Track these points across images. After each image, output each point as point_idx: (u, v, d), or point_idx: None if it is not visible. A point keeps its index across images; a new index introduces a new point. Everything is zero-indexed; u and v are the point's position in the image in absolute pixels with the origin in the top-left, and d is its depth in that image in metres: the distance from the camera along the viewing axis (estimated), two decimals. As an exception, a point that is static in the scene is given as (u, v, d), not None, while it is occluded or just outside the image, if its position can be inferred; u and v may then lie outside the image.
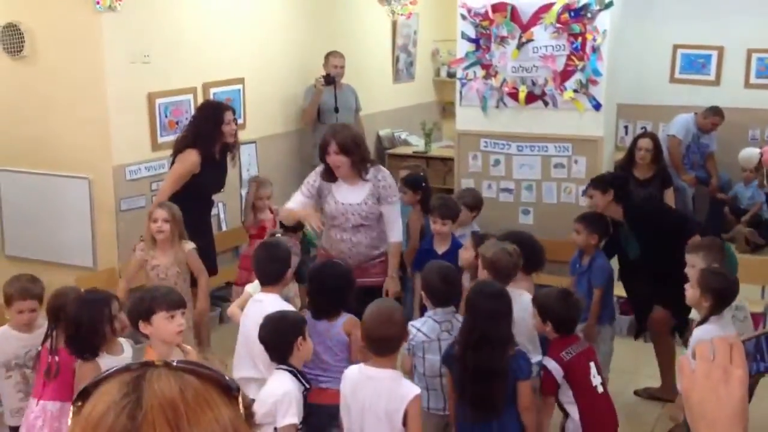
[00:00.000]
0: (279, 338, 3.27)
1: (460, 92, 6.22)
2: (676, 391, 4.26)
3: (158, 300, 3.28)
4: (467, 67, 6.14)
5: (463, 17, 6.09)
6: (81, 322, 3.41)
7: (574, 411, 3.62)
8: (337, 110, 7.12)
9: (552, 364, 3.59)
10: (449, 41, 8.04)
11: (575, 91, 5.85)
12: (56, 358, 3.57)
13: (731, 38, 8.09)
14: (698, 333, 3.66)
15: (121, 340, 3.61)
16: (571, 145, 5.97)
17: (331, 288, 3.81)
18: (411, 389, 3.19)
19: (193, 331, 4.49)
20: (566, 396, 3.63)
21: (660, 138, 6.90)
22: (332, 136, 4.51)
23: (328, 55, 7.14)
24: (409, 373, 3.71)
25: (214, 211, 5.67)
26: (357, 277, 4.17)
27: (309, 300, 3.92)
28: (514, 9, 5.90)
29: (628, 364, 5.12)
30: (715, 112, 7.51)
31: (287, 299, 4.21)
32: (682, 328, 4.72)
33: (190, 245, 4.57)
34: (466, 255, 4.42)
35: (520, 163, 6.12)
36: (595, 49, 5.77)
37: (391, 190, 4.62)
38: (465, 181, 6.27)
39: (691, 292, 3.80)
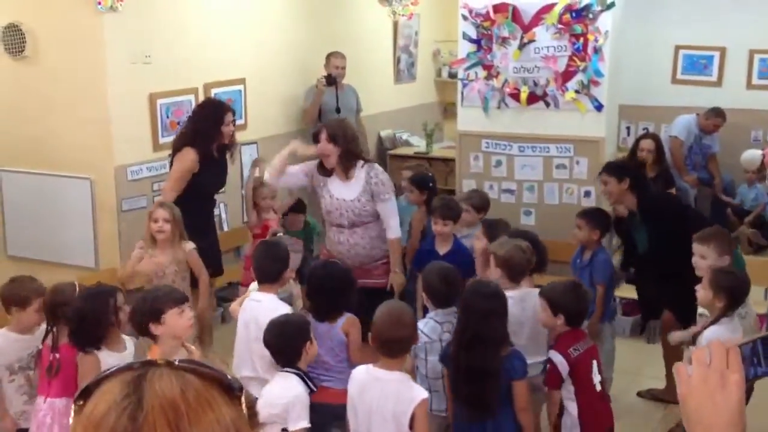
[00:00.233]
0: (285, 343, 3.25)
1: (462, 93, 6.21)
2: None
3: (164, 298, 3.30)
4: (469, 68, 6.13)
5: (465, 18, 6.08)
6: (85, 314, 3.42)
7: (573, 407, 3.61)
8: (338, 111, 7.11)
9: (558, 358, 3.58)
10: (450, 42, 8.04)
11: (577, 91, 5.84)
12: (57, 355, 3.57)
13: (733, 39, 8.07)
14: (708, 334, 3.63)
15: (124, 336, 3.61)
16: (573, 145, 5.97)
17: (330, 289, 3.81)
18: (419, 392, 3.18)
19: (196, 330, 4.49)
20: (567, 392, 3.62)
21: (662, 139, 6.90)
22: (324, 125, 4.64)
23: (329, 56, 7.13)
24: (411, 374, 3.70)
25: (216, 211, 5.65)
26: (359, 278, 4.18)
27: (309, 302, 3.91)
28: (515, 9, 5.90)
29: (630, 365, 5.11)
30: (717, 113, 7.50)
31: (290, 299, 4.21)
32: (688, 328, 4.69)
33: (190, 245, 4.58)
34: (478, 244, 4.42)
35: (522, 164, 6.12)
36: (597, 50, 5.76)
37: (384, 187, 4.62)
38: (466, 181, 6.27)
39: (703, 293, 3.74)
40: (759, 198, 7.61)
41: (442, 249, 4.78)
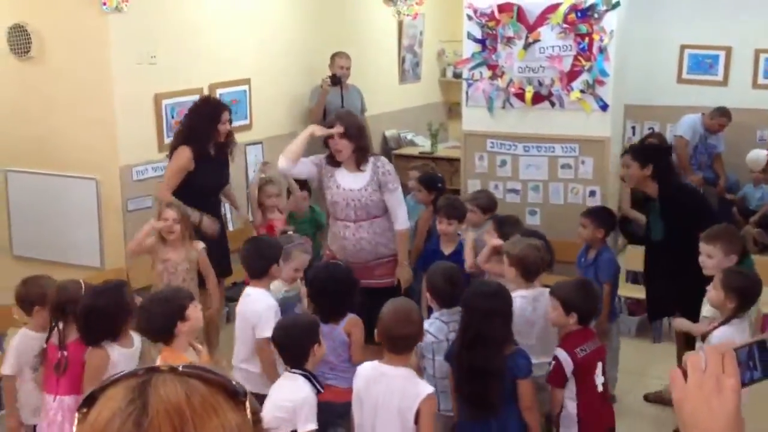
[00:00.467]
0: (294, 344, 3.24)
1: (467, 93, 6.21)
2: None
3: (183, 295, 3.41)
4: (473, 68, 6.13)
5: (469, 18, 6.08)
6: (101, 309, 3.44)
7: (572, 406, 3.61)
8: (343, 111, 7.13)
9: (564, 356, 3.58)
10: (455, 42, 8.03)
11: (582, 91, 5.83)
12: (65, 353, 3.59)
13: (739, 38, 8.06)
14: (718, 334, 3.61)
15: (132, 333, 3.63)
16: (578, 145, 5.96)
17: (333, 291, 3.81)
18: (424, 388, 3.19)
19: (204, 330, 4.51)
20: (568, 390, 3.62)
21: (667, 139, 6.89)
22: (338, 120, 4.59)
23: (334, 56, 7.14)
24: (416, 372, 3.71)
25: (221, 211, 5.66)
26: (362, 278, 4.19)
27: (311, 303, 3.92)
28: (520, 9, 5.89)
29: (635, 365, 5.11)
30: (722, 113, 7.49)
31: (297, 298, 4.22)
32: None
33: (201, 244, 4.64)
34: (488, 239, 4.44)
35: (527, 164, 6.11)
36: (602, 50, 5.75)
37: (390, 177, 4.66)
38: (471, 181, 6.26)
39: (714, 293, 3.70)
40: (765, 197, 7.60)
41: (447, 249, 4.78)
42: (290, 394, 3.14)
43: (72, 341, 3.62)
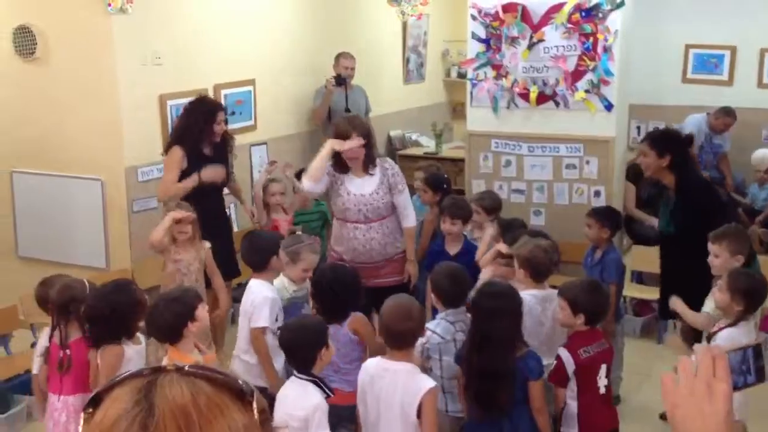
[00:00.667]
0: (300, 348, 3.23)
1: (471, 93, 6.21)
2: None
3: (193, 294, 3.43)
4: (478, 68, 6.13)
5: (474, 18, 6.08)
6: (117, 306, 3.45)
7: (573, 405, 3.61)
8: (347, 111, 7.12)
9: (566, 355, 3.57)
10: (459, 42, 8.03)
11: (587, 91, 5.82)
12: (68, 352, 3.60)
13: (744, 38, 8.04)
14: (725, 336, 3.58)
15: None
16: (583, 145, 5.95)
17: (338, 292, 3.81)
18: (426, 382, 3.20)
19: (211, 331, 4.52)
20: (570, 390, 3.61)
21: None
22: (354, 130, 4.57)
23: (338, 56, 7.14)
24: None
25: (226, 212, 5.66)
26: (369, 278, 4.20)
27: (315, 304, 3.92)
28: (524, 9, 5.88)
29: (640, 365, 5.10)
30: (727, 112, 7.47)
31: (306, 299, 4.22)
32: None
33: (207, 244, 4.65)
34: (490, 230, 4.45)
35: (532, 164, 6.10)
36: (607, 49, 5.74)
37: (399, 178, 4.73)
38: (476, 182, 6.26)
39: (720, 295, 3.66)
40: (770, 197, 7.57)
41: (453, 249, 4.78)
42: (302, 402, 3.12)
43: (74, 340, 3.63)
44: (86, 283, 3.74)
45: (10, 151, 5.95)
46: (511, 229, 4.54)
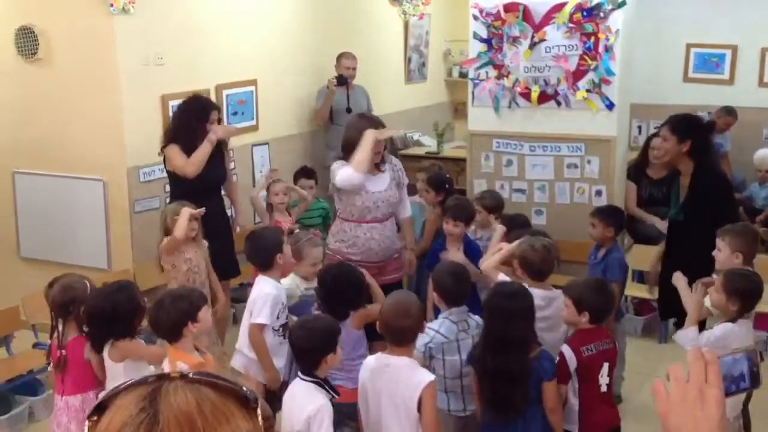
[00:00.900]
0: (309, 350, 3.22)
1: (473, 92, 6.21)
2: None
3: (198, 295, 3.41)
4: (479, 68, 6.13)
5: (475, 17, 6.08)
6: (106, 309, 3.45)
7: (575, 402, 3.62)
8: (349, 111, 7.13)
9: (568, 353, 3.57)
10: (461, 41, 8.03)
11: (588, 90, 5.83)
12: (63, 352, 3.61)
13: (745, 37, 8.04)
14: (723, 329, 3.60)
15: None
16: (584, 145, 5.95)
17: (342, 291, 3.82)
18: (425, 376, 3.21)
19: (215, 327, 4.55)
20: (571, 387, 3.62)
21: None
22: (379, 124, 4.65)
23: (340, 57, 7.15)
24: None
25: (228, 212, 5.66)
26: (375, 276, 4.25)
27: (320, 302, 3.92)
28: (526, 9, 5.89)
29: (641, 365, 5.10)
30: (728, 112, 7.47)
31: (311, 297, 4.22)
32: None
33: (205, 242, 4.66)
34: (500, 231, 4.46)
35: (533, 164, 6.11)
36: (608, 49, 5.75)
37: (402, 172, 4.90)
38: (477, 181, 6.26)
39: (716, 296, 3.65)
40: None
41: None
42: (305, 404, 3.12)
43: (70, 340, 3.63)
44: (87, 283, 3.74)
45: (12, 152, 5.96)
46: (514, 226, 4.54)
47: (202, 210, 4.52)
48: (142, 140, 5.65)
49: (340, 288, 3.80)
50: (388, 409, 3.22)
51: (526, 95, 5.99)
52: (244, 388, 0.96)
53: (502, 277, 3.99)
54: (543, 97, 5.95)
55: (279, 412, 3.21)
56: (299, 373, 3.24)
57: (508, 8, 5.93)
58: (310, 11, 7.26)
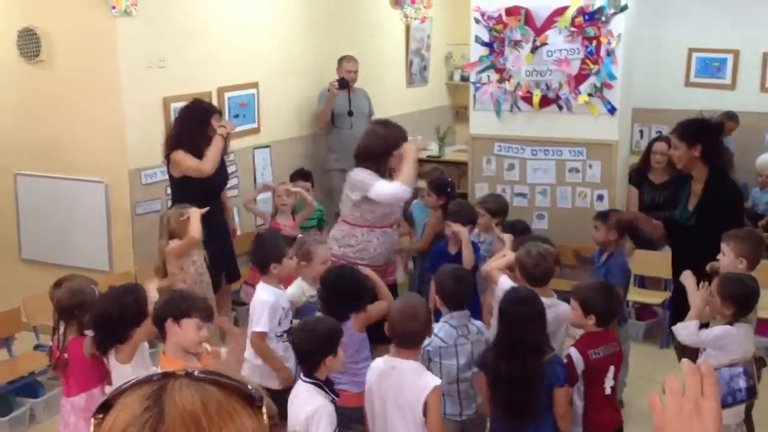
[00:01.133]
0: (309, 352, 3.23)
1: (474, 96, 6.21)
2: None
3: (197, 306, 3.26)
4: (481, 71, 6.13)
5: (477, 21, 6.08)
6: (113, 312, 3.44)
7: (580, 405, 3.62)
8: (351, 114, 7.14)
9: (576, 355, 3.58)
10: (462, 45, 8.03)
11: (590, 95, 5.82)
12: (65, 355, 3.62)
13: (747, 42, 8.05)
14: (720, 330, 3.61)
15: None
16: (586, 149, 5.95)
17: (345, 292, 3.82)
18: (431, 380, 3.23)
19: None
20: (577, 389, 3.62)
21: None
22: (404, 135, 4.69)
23: (341, 60, 7.15)
24: None
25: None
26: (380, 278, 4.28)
27: (322, 303, 3.92)
28: (527, 13, 5.89)
29: (643, 370, 5.09)
30: (730, 117, 7.47)
31: (316, 303, 4.22)
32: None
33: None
34: (500, 245, 4.45)
35: (534, 168, 6.10)
36: (610, 53, 5.74)
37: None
38: (479, 185, 6.26)
39: (712, 300, 3.68)
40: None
41: (454, 249, 4.80)
42: (305, 405, 3.13)
43: (70, 340, 3.64)
44: (96, 288, 3.74)
45: (13, 153, 5.96)
46: (513, 232, 4.54)
47: (206, 209, 4.54)
48: (144, 143, 5.65)
49: (342, 289, 3.81)
50: (393, 412, 3.24)
51: (528, 99, 5.99)
52: (249, 387, 0.95)
53: (504, 278, 3.99)
54: (545, 101, 5.95)
55: None
56: (301, 375, 3.25)
57: (509, 12, 5.93)
58: (311, 14, 7.26)
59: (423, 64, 9.08)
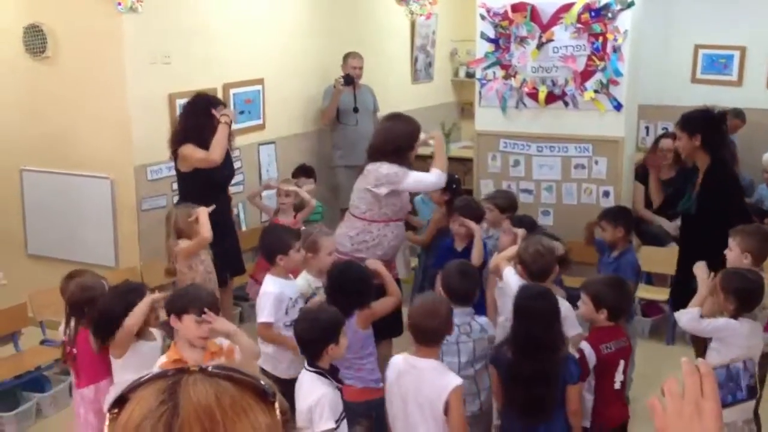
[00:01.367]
0: (310, 339, 3.24)
1: (480, 92, 6.20)
2: None
3: (195, 301, 3.27)
4: (487, 68, 6.12)
5: (483, 17, 6.07)
6: (114, 314, 3.45)
7: (589, 399, 3.63)
8: (356, 110, 7.14)
9: (588, 350, 3.58)
10: (468, 41, 8.02)
11: (596, 91, 5.81)
12: (74, 350, 3.65)
13: (753, 38, 8.01)
14: (723, 321, 3.60)
15: (153, 329, 3.67)
16: (592, 145, 5.94)
17: (350, 287, 3.82)
18: (452, 380, 3.23)
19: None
20: (587, 383, 3.62)
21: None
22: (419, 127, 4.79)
23: (346, 56, 7.14)
24: None
25: (234, 211, 5.69)
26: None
27: (327, 298, 3.93)
28: (533, 9, 5.88)
29: (648, 367, 5.09)
30: (736, 114, 7.44)
31: (318, 290, 4.23)
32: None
33: None
34: (504, 239, 4.45)
35: (540, 164, 6.09)
36: (616, 49, 5.73)
37: None
38: (484, 181, 6.26)
39: (715, 295, 3.69)
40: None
41: (460, 246, 4.82)
42: (308, 394, 3.15)
43: (79, 334, 3.66)
44: (105, 284, 3.76)
45: (19, 149, 5.98)
46: (521, 227, 4.54)
47: (213, 207, 4.55)
48: (150, 138, 5.66)
49: (347, 284, 3.82)
50: (413, 410, 3.24)
51: (534, 95, 5.98)
52: (263, 382, 0.96)
53: (508, 269, 4.00)
54: (550, 98, 5.94)
55: None
56: (305, 364, 3.26)
57: (515, 8, 5.92)
58: (317, 11, 7.26)
59: (428, 61, 9.07)
